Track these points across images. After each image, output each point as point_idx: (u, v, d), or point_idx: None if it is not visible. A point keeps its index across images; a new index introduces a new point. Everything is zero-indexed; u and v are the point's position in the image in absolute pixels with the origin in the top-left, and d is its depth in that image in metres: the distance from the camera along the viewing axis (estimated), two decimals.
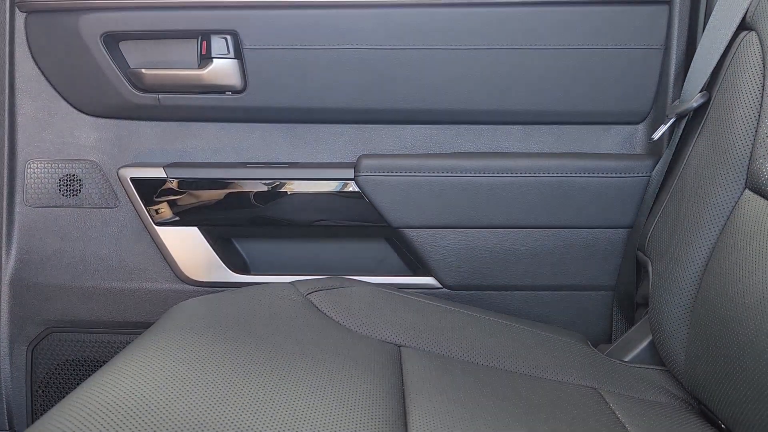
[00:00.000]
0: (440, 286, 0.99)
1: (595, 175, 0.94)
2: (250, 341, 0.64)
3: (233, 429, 0.46)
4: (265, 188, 0.97)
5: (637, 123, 0.99)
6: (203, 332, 0.64)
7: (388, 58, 0.95)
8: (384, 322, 0.77)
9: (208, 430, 0.45)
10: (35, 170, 1.01)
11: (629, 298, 0.93)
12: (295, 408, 0.51)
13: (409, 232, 0.96)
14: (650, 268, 0.82)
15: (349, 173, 0.96)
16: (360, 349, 0.69)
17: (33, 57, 0.99)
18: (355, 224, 0.98)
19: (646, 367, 0.79)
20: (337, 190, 0.97)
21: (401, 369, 0.67)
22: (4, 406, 1.03)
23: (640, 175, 0.93)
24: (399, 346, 0.74)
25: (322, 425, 0.49)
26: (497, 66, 0.94)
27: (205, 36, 0.97)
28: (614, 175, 0.94)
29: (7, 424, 1.04)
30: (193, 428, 0.45)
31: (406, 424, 0.55)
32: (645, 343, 0.81)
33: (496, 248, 0.96)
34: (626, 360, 0.81)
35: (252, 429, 0.47)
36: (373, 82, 0.96)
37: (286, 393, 0.53)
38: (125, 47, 0.99)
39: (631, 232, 0.93)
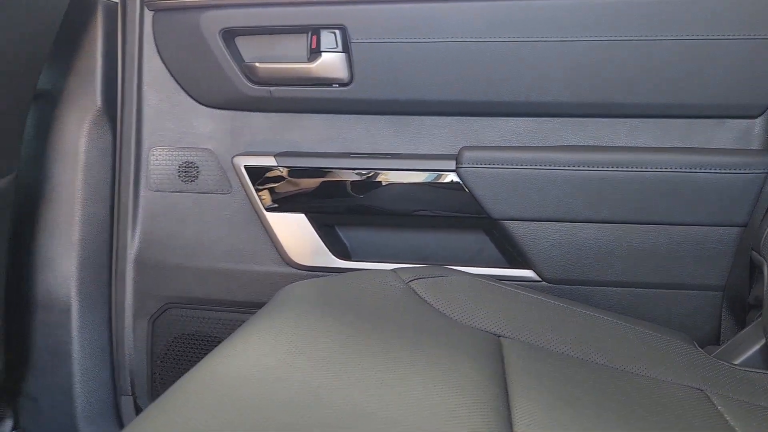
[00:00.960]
0: (539, 279, 0.99)
1: (707, 170, 0.90)
2: (357, 323, 0.67)
3: (348, 405, 0.49)
4: (368, 178, 1.00)
5: (755, 117, 0.94)
6: (313, 313, 0.68)
7: (491, 50, 0.95)
8: (484, 312, 0.78)
9: (324, 404, 0.49)
10: (158, 157, 1.09)
11: (740, 299, 0.90)
12: (403, 387, 0.54)
13: (510, 224, 0.97)
14: (765, 269, 0.78)
15: (451, 164, 0.98)
16: (461, 337, 0.70)
17: (159, 53, 1.06)
18: (454, 215, 1.00)
19: (759, 371, 0.76)
20: (438, 180, 0.99)
21: (502, 358, 0.68)
22: (128, 373, 1.13)
23: (756, 171, 0.89)
24: (499, 336, 0.75)
25: (429, 404, 0.52)
26: (603, 58, 0.93)
27: (315, 31, 1.01)
28: (727, 171, 0.90)
29: (129, 390, 1.13)
30: (313, 401, 0.49)
31: (509, 409, 0.56)
32: (757, 347, 0.78)
33: (598, 243, 0.95)
34: (736, 363, 0.78)
35: (364, 405, 0.50)
36: (477, 75, 0.97)
37: (394, 373, 0.56)
38: (241, 42, 1.04)
39: (745, 230, 0.89)
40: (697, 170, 0.91)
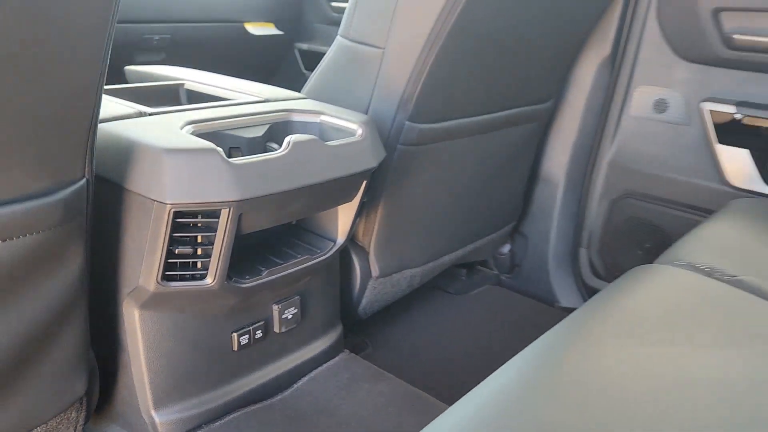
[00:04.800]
0: None
1: None
2: None
3: None
4: None
5: None
6: (754, 238, 1.10)
7: None
8: None
9: None
10: (641, 93, 1.56)
11: None
12: None
13: None
14: None
15: None
16: None
17: (658, 19, 1.50)
18: None
19: None
20: None
21: None
22: (587, 233, 1.70)
23: None
24: None
25: None
26: None
27: None
28: None
29: (586, 244, 1.71)
30: None
31: None
32: None
33: None
34: None
35: None
36: None
37: None
38: (726, 17, 1.41)
39: None
40: None
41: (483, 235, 1.61)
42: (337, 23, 2.29)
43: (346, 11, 1.17)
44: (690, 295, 0.79)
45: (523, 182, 1.67)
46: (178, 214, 0.82)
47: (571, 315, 0.76)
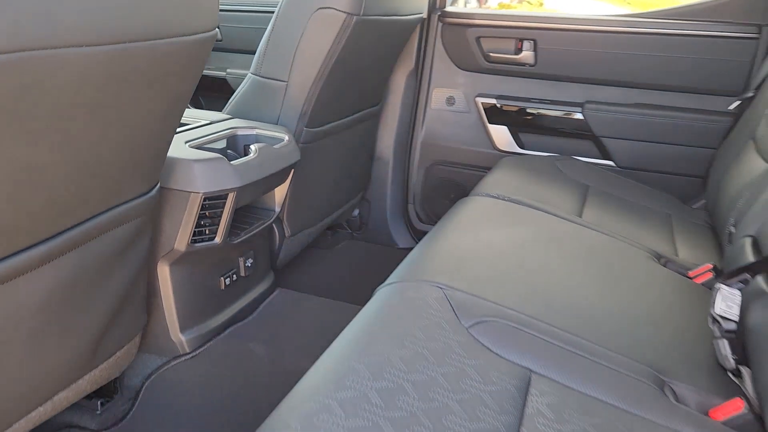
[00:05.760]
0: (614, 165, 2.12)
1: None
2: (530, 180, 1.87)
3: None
4: (538, 111, 2.16)
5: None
6: (518, 178, 1.88)
7: (605, 60, 2.04)
8: (580, 174, 1.95)
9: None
10: (437, 93, 2.30)
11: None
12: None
13: (605, 140, 2.10)
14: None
15: (578, 108, 2.11)
16: (571, 185, 1.88)
17: (443, 42, 2.24)
18: (575, 132, 2.14)
19: None
20: (569, 116, 2.12)
21: (586, 198, 1.85)
22: (412, 192, 2.42)
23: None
24: (588, 186, 1.91)
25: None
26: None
27: (520, 40, 2.14)
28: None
29: (413, 201, 2.43)
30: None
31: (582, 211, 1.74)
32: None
33: None
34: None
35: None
36: (597, 69, 2.07)
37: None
38: (483, 41, 2.19)
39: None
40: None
41: (345, 202, 2.25)
42: None
43: (256, 57, 1.72)
44: (491, 208, 1.51)
45: (368, 162, 2.34)
46: (206, 199, 1.34)
47: (438, 224, 1.43)
